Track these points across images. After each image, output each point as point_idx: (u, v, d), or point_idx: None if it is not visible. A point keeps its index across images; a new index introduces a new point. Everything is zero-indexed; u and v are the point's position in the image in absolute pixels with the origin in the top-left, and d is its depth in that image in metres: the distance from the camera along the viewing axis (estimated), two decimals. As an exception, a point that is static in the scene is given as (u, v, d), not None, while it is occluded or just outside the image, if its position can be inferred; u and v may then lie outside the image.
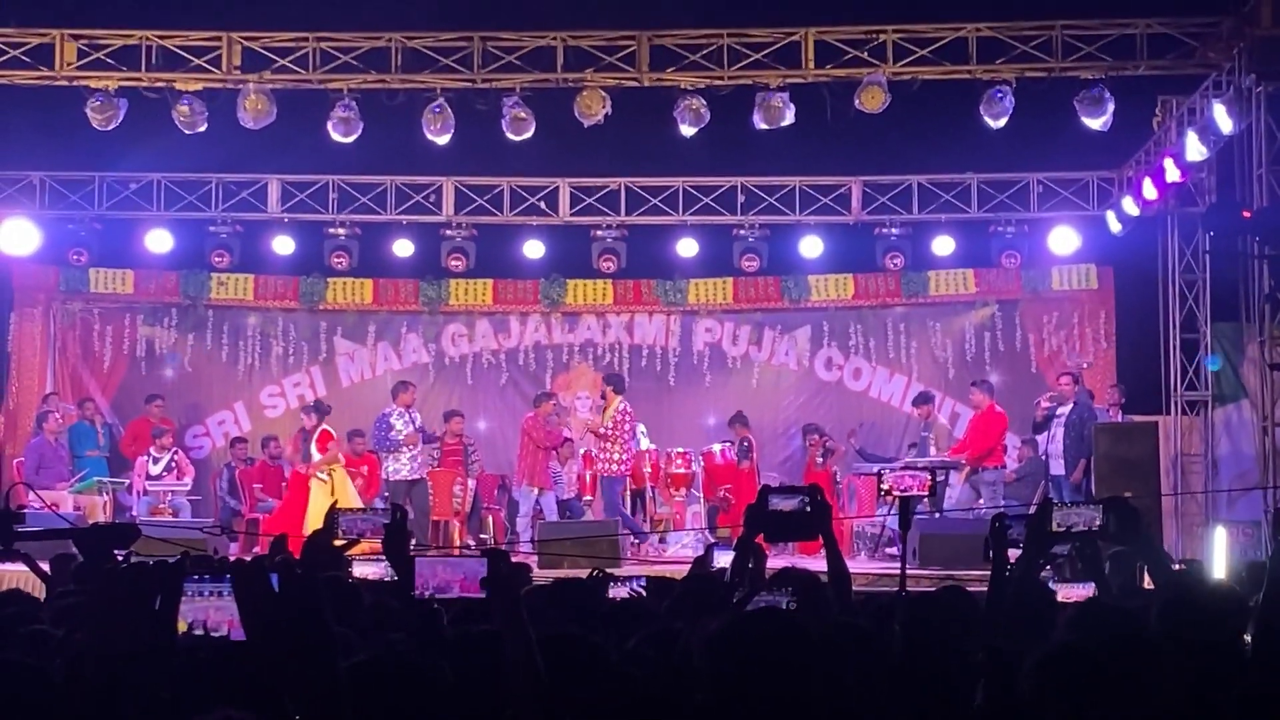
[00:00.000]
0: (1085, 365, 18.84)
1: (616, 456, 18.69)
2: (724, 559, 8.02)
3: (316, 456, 18.53)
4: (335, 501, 15.85)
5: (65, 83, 17.98)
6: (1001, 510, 6.73)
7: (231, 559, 3.30)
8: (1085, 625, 4.83)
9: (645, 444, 19.68)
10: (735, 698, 3.62)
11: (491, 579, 4.29)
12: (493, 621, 4.32)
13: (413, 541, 6.16)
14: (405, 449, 18.74)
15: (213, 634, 2.89)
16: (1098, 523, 5.86)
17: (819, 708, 3.67)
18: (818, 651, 3.88)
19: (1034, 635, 5.02)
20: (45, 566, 7.57)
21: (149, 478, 19.64)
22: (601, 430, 18.77)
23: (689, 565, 8.69)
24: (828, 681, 3.95)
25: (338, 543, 5.82)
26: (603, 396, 19.26)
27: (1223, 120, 16.43)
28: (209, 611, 2.89)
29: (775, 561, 12.75)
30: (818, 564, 7.03)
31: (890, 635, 5.28)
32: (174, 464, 19.86)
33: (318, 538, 5.69)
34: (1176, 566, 7.17)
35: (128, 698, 2.73)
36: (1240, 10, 16.37)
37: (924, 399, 19.93)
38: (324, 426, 18.88)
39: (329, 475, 18.43)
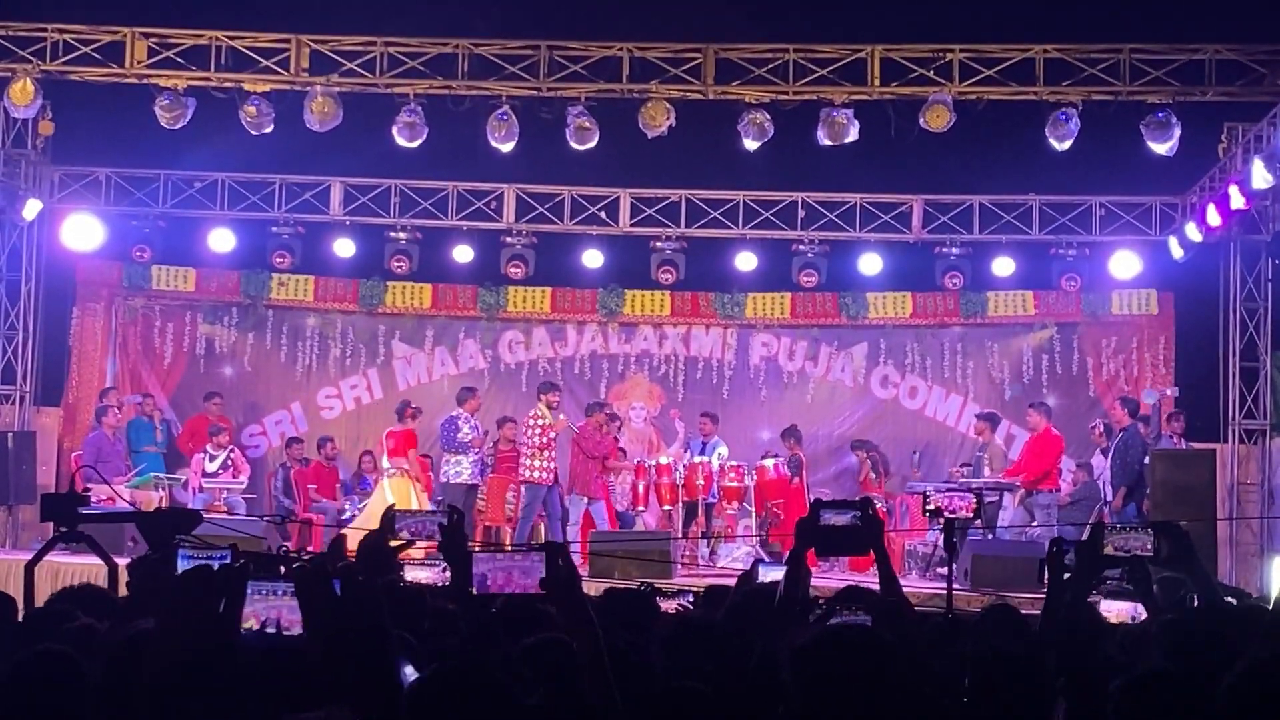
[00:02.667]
0: (1169, 393, 18.69)
1: (538, 464, 18.76)
2: (769, 575, 8.04)
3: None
4: (393, 504, 15.95)
5: (135, 80, 18.13)
6: (1059, 536, 6.70)
7: (290, 549, 3.34)
8: (1174, 648, 4.82)
9: (717, 461, 19.71)
10: (822, 708, 3.62)
11: (551, 578, 4.31)
12: (556, 620, 4.35)
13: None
14: (470, 453, 18.87)
15: (284, 632, 2.92)
16: (1149, 546, 5.84)
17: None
18: (902, 665, 3.89)
19: (1082, 656, 5.01)
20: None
21: (205, 475, 19.76)
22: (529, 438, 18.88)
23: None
24: (910, 696, 3.97)
25: (393, 543, 5.83)
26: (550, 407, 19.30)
27: (1289, 148, 16.33)
28: (281, 611, 2.93)
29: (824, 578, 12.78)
30: (869, 580, 7.03)
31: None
32: (230, 462, 19.99)
33: (373, 539, 5.70)
34: (1228, 599, 7.11)
35: (193, 698, 2.76)
36: (1310, 39, 16.29)
37: (988, 418, 19.86)
38: (407, 427, 19.08)
39: (399, 475, 18.72)
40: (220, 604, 2.85)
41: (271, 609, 2.94)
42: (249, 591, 2.90)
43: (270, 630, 2.95)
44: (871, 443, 21.03)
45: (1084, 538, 5.89)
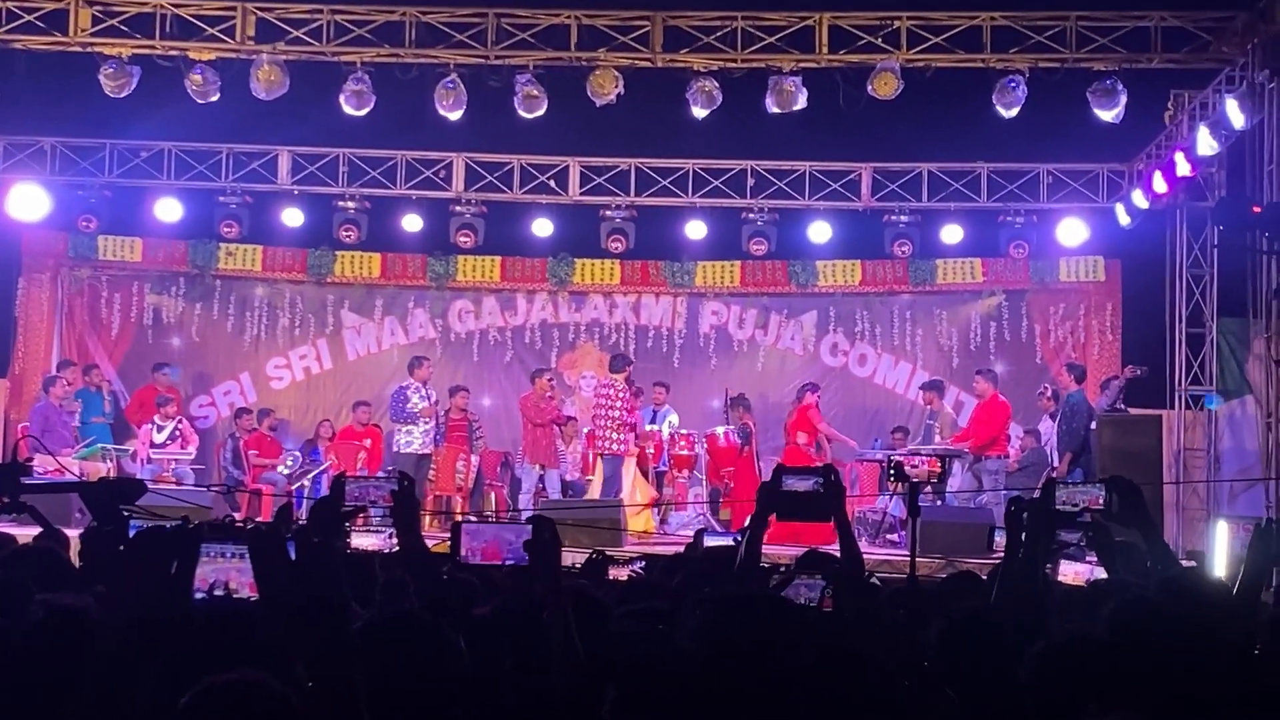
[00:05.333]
0: (1139, 373, 18.78)
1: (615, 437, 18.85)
2: (713, 543, 8.09)
3: None
4: (343, 469, 15.93)
5: (79, 49, 17.95)
6: (1018, 494, 6.74)
7: (239, 520, 3.32)
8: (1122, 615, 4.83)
9: (667, 430, 19.76)
10: (720, 678, 3.61)
11: (536, 543, 4.33)
12: (534, 585, 4.37)
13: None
14: (420, 422, 18.83)
15: (234, 595, 2.91)
16: (1101, 500, 5.88)
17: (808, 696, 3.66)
18: (814, 637, 3.89)
19: (1035, 618, 5.04)
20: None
21: (153, 446, 19.67)
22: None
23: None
24: (855, 665, 3.97)
25: (345, 509, 5.82)
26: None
27: (1235, 115, 16.43)
28: (230, 573, 2.92)
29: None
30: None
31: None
32: (178, 433, 19.90)
33: (324, 504, 5.70)
34: (1185, 562, 7.19)
35: (146, 661, 2.75)
36: (1255, 5, 16.37)
37: (933, 386, 19.94)
38: None
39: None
40: (172, 566, 2.84)
41: (220, 571, 2.94)
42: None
43: (219, 593, 2.94)
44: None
45: (1036, 495, 5.92)
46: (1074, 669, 4.13)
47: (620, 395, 18.98)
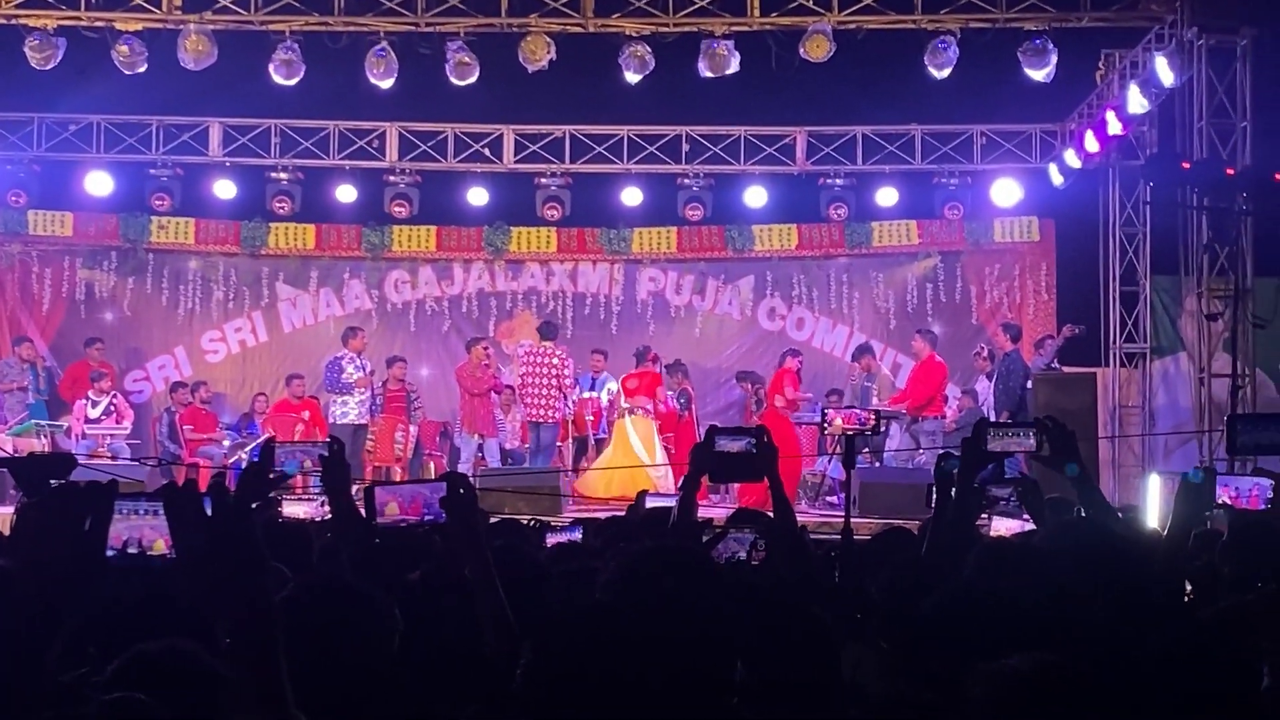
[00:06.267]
0: (1078, 332, 18.88)
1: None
2: (655, 504, 8.09)
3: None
4: (273, 436, 15.84)
5: (3, 20, 17.77)
6: (947, 451, 6.75)
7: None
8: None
9: (606, 397, 19.74)
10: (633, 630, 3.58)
11: (451, 499, 4.31)
12: (451, 542, 4.35)
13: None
14: (355, 392, 18.73)
15: (147, 552, 2.87)
16: (1033, 441, 5.89)
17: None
18: (722, 593, 3.89)
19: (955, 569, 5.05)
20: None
21: (87, 421, 19.51)
22: None
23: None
24: (792, 617, 3.96)
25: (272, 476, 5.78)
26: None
27: (1164, 73, 16.54)
28: (143, 530, 2.88)
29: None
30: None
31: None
32: (113, 407, 19.74)
33: (254, 470, 5.65)
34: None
35: (59, 620, 2.72)
36: (1184, -37, 16.47)
37: (864, 350, 20.00)
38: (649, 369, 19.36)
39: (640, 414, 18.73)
40: (86, 522, 2.80)
41: (134, 529, 2.90)
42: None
43: (132, 550, 2.90)
44: (756, 374, 21.04)
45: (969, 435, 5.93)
46: (952, 617, 4.12)
47: (565, 363, 18.94)
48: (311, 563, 5.96)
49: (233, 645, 2.83)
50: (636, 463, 18.00)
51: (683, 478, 5.93)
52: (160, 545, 2.84)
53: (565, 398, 18.83)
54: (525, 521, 8.19)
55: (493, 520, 7.72)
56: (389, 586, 4.57)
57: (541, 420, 18.73)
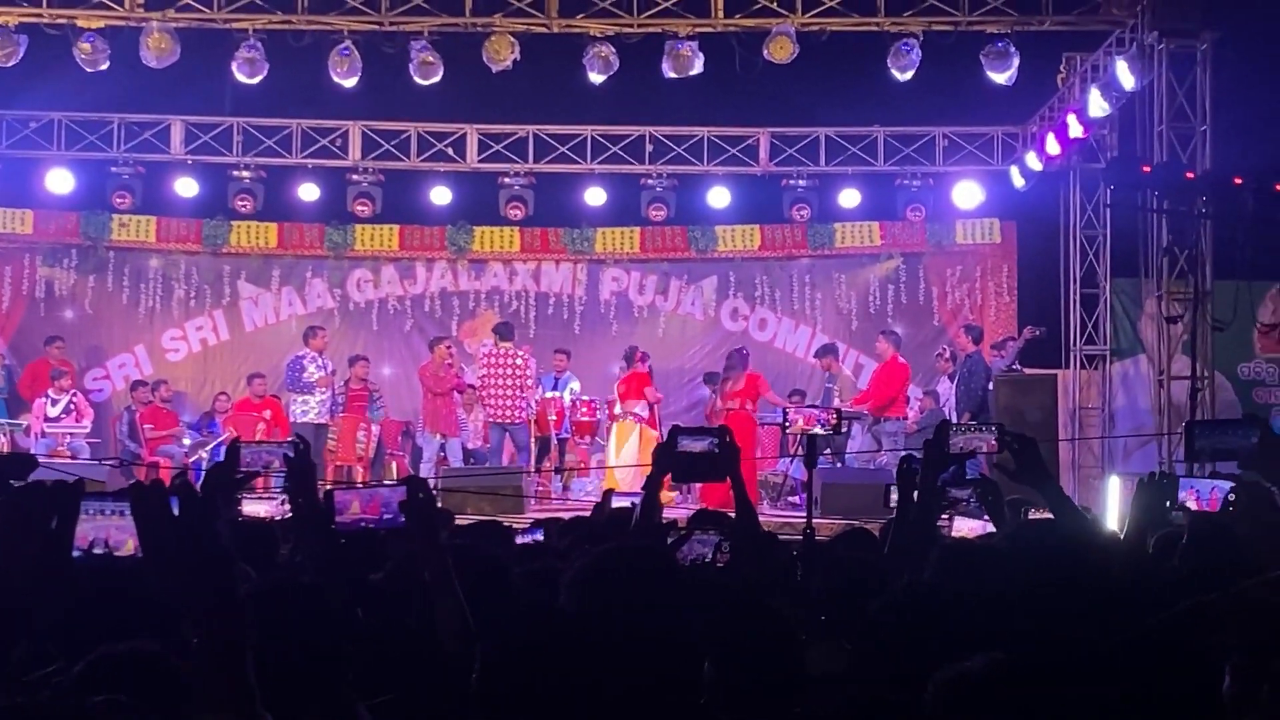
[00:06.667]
0: (1038, 334, 18.95)
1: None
2: (621, 504, 8.09)
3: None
4: (238, 437, 15.78)
5: (-37, 17, 17.68)
6: (909, 453, 6.78)
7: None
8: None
9: (569, 396, 19.73)
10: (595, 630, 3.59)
11: (411, 503, 4.32)
12: (410, 544, 4.36)
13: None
14: (317, 392, 18.69)
15: (114, 552, 2.87)
16: (994, 443, 5.93)
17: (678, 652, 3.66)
18: (684, 593, 3.91)
19: (919, 568, 5.08)
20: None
21: (47, 420, 19.41)
22: None
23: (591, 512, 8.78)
24: (754, 618, 3.98)
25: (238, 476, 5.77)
26: None
27: (1125, 77, 16.63)
28: (110, 530, 2.88)
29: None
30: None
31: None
32: (73, 406, 19.65)
33: (219, 470, 5.64)
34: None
35: (25, 620, 2.72)
36: (1144, -32, 16.57)
37: (827, 351, 20.03)
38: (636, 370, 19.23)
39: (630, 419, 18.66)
40: (52, 522, 2.80)
41: (100, 529, 2.89)
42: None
43: (99, 550, 2.90)
44: (721, 375, 21.07)
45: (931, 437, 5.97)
46: (912, 617, 4.14)
47: (528, 363, 18.95)
48: (275, 562, 5.95)
49: (200, 644, 2.83)
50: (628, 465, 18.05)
51: (645, 478, 5.94)
52: (129, 545, 2.84)
53: (527, 399, 18.83)
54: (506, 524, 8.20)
55: (470, 522, 7.75)
56: (350, 586, 4.58)
57: (508, 421, 18.71)
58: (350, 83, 18.23)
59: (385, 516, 4.66)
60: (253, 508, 7.34)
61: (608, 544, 4.66)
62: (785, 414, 10.50)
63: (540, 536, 8.01)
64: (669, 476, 5.92)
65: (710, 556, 5.23)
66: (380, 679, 4.15)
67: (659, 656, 3.32)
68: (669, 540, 5.50)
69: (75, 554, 2.84)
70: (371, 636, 4.17)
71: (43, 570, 2.77)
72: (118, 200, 21.20)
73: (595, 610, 3.64)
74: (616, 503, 8.54)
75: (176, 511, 2.88)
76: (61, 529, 2.81)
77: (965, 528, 7.15)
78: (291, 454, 5.57)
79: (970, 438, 5.99)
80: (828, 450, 17.68)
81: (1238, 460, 5.56)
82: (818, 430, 9.61)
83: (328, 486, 5.50)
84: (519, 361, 18.83)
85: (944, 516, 6.46)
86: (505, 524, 8.12)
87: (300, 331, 20.25)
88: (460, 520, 10.34)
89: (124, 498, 2.91)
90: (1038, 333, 18.84)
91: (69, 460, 17.51)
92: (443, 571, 4.17)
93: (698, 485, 16.37)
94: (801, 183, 21.37)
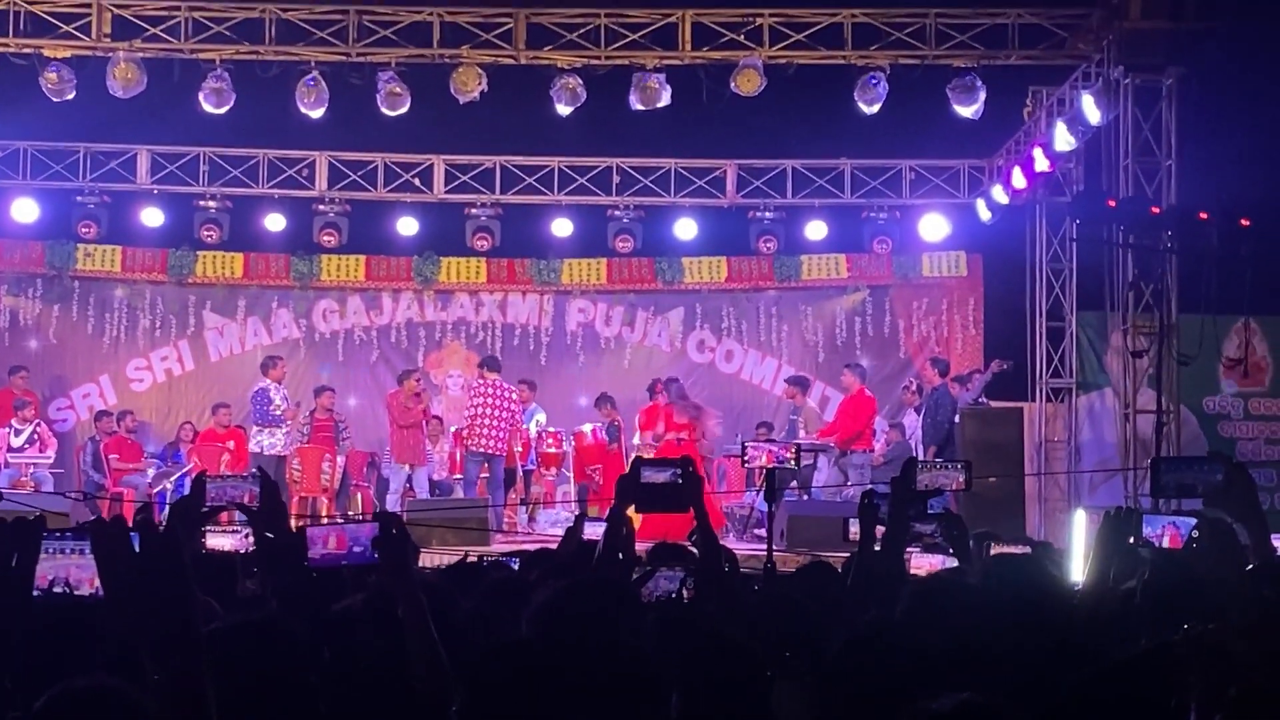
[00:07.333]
0: (1006, 367, 19.01)
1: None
2: (594, 531, 8.05)
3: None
4: (204, 469, 15.71)
5: (-71, 46, 17.62)
6: (870, 488, 6.79)
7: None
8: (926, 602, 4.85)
9: (535, 428, 19.70)
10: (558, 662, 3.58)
11: (384, 540, 4.29)
12: (383, 581, 4.32)
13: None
14: (284, 424, 18.63)
15: (74, 591, 2.83)
16: (961, 481, 5.94)
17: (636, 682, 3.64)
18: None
19: (885, 605, 5.06)
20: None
21: (10, 450, 19.30)
22: None
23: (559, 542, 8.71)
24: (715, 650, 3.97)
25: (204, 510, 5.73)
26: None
27: (1091, 111, 16.72)
28: (70, 569, 2.85)
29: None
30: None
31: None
32: (36, 436, 19.54)
33: (184, 503, 5.60)
34: (1022, 549, 7.24)
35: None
36: (1110, 3, 16.66)
37: (797, 382, 20.02)
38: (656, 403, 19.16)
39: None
40: (12, 559, 2.77)
41: (60, 568, 2.86)
42: None
43: (59, 589, 2.87)
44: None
45: (898, 474, 5.97)
46: (879, 654, 4.14)
47: (512, 395, 18.97)
48: (235, 594, 5.91)
49: (161, 681, 2.80)
50: None
51: (609, 509, 5.92)
52: (89, 584, 2.81)
53: (516, 431, 18.88)
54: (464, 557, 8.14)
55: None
56: (316, 622, 4.55)
57: (495, 453, 18.70)
58: (317, 113, 18.22)
59: (355, 551, 4.61)
60: (217, 541, 7.27)
61: (571, 578, 4.65)
62: (744, 447, 10.51)
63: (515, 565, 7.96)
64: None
65: (677, 592, 5.21)
66: (347, 716, 4.12)
67: (625, 689, 3.31)
68: (635, 575, 5.49)
69: (35, 594, 2.80)
70: (339, 673, 4.14)
71: (2, 608, 2.74)
72: (83, 230, 21.13)
73: (558, 644, 3.63)
74: (590, 530, 8.49)
75: (137, 548, 2.86)
76: (22, 567, 2.78)
77: (925, 564, 7.13)
78: (258, 489, 5.55)
79: (936, 474, 6.00)
80: (793, 483, 17.68)
81: (1202, 497, 5.55)
82: (777, 465, 9.63)
83: (301, 523, 5.47)
84: (513, 395, 18.89)
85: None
86: (480, 561, 8.06)
87: (265, 362, 20.16)
88: (426, 552, 10.31)
89: (84, 535, 2.88)
90: (1005, 366, 18.89)
91: (33, 490, 17.42)
92: (417, 608, 4.14)
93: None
94: (768, 215, 21.42)
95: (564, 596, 4.04)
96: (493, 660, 3.17)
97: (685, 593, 5.23)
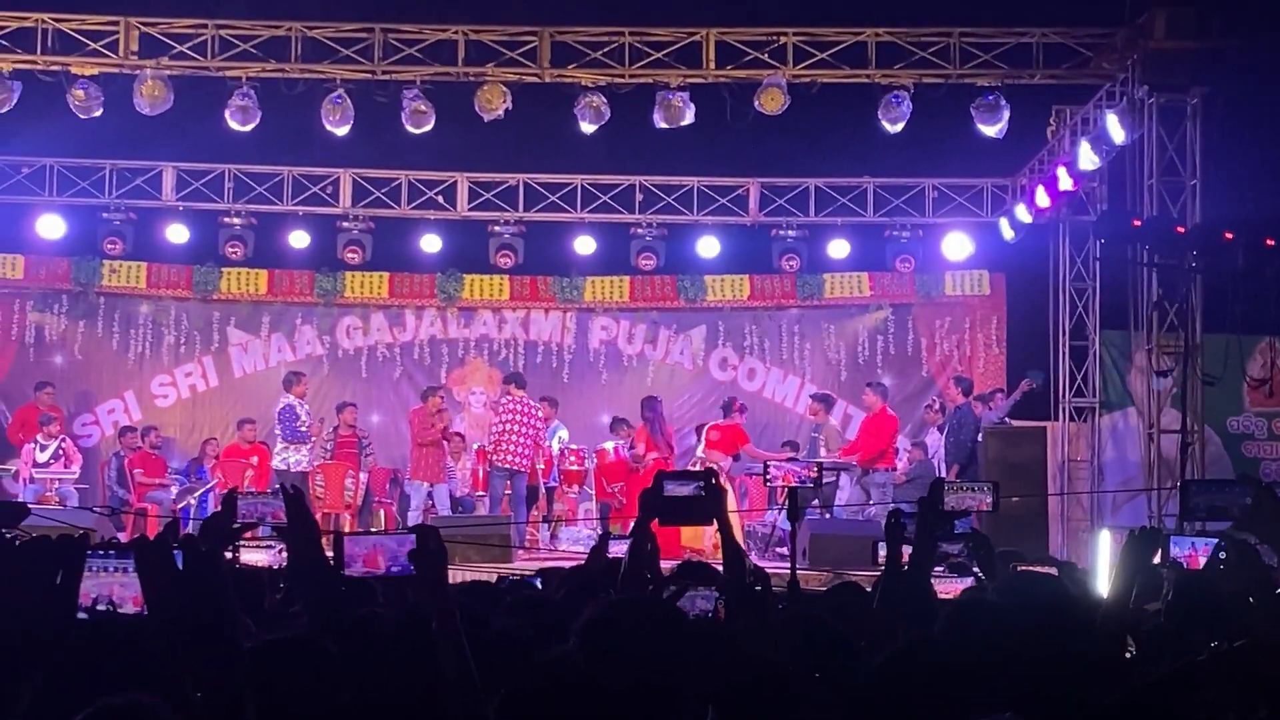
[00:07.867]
0: (1035, 386, 19.02)
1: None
2: (618, 549, 8.06)
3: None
4: (233, 486, 15.75)
5: (-43, 64, 17.73)
6: (897, 507, 6.78)
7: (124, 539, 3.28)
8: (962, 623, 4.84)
9: (557, 445, 19.72)
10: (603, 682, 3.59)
11: (420, 553, 4.29)
12: (417, 595, 4.32)
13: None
14: (309, 440, 18.70)
15: (117, 609, 2.86)
16: (989, 502, 5.95)
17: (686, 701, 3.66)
18: (690, 645, 3.90)
19: (916, 627, 5.06)
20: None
21: (36, 465, 19.35)
22: None
23: (582, 560, 8.73)
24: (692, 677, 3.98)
25: (236, 526, 5.77)
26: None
27: (1115, 130, 16.72)
28: (113, 587, 2.87)
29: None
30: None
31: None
32: (61, 451, 19.59)
33: (216, 520, 5.64)
34: (1048, 570, 7.23)
35: (28, 676, 2.71)
36: (1134, 22, 16.66)
37: (822, 399, 19.98)
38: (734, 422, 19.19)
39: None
40: (58, 576, 2.79)
41: (104, 585, 2.89)
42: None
43: (102, 607, 2.89)
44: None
45: (925, 494, 5.97)
46: (912, 671, 4.14)
47: (537, 412, 19.03)
48: (263, 608, 5.94)
49: (203, 698, 2.82)
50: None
51: (633, 524, 5.93)
52: (132, 602, 2.83)
53: (539, 447, 18.92)
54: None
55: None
56: (350, 638, 4.57)
57: (521, 469, 18.73)
58: (342, 131, 18.30)
59: (392, 568, 4.61)
60: (251, 556, 7.31)
61: (614, 595, 4.66)
62: (766, 467, 10.51)
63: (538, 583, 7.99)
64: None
65: (713, 611, 5.22)
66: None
67: (664, 708, 3.33)
68: (665, 594, 5.50)
69: (80, 614, 2.83)
70: (372, 689, 4.16)
71: (45, 626, 2.76)
72: (109, 246, 21.21)
73: (604, 663, 3.64)
74: (616, 549, 8.50)
75: (181, 566, 2.88)
76: (67, 584, 2.80)
77: (951, 589, 7.13)
78: (287, 504, 5.57)
79: (963, 495, 6.02)
80: (815, 501, 17.68)
81: (1232, 520, 5.54)
82: (799, 484, 9.65)
83: (342, 534, 5.50)
84: (538, 412, 18.95)
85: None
86: (494, 583, 8.09)
87: (291, 378, 20.22)
88: (454, 570, 10.31)
89: (127, 554, 2.91)
90: (1034, 385, 18.89)
91: (58, 506, 17.47)
92: (451, 624, 4.13)
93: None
94: (791, 233, 21.43)
95: (616, 612, 4.03)
96: (536, 674, 3.19)
97: (720, 611, 5.24)
